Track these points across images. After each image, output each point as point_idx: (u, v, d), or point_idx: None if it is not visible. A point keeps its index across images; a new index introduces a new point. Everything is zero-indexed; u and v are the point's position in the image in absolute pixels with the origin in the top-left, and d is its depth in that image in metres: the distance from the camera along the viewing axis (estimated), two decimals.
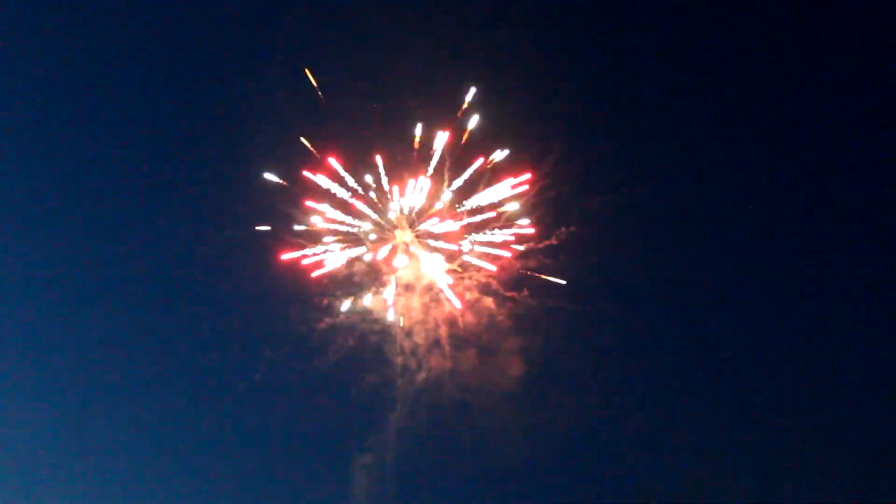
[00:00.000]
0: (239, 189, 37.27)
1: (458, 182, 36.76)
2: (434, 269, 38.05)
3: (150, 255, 39.14)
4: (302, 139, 37.36)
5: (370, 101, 36.92)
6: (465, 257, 37.30)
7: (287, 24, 38.27)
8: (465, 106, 36.21)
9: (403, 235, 38.42)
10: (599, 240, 34.80)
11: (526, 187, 36.21)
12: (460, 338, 37.77)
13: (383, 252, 38.41)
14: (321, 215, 37.69)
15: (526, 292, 36.77)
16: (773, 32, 34.87)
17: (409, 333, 38.63)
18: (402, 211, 37.92)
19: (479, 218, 37.04)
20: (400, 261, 38.41)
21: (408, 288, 38.69)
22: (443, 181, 36.88)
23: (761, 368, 35.44)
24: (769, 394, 35.12)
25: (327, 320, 38.65)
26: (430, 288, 38.52)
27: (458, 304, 37.81)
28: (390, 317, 38.65)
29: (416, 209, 37.81)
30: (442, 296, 38.13)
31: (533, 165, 36.00)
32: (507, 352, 36.68)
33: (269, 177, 37.64)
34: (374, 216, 38.04)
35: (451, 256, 37.63)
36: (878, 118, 33.71)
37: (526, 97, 35.71)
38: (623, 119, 35.93)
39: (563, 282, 37.06)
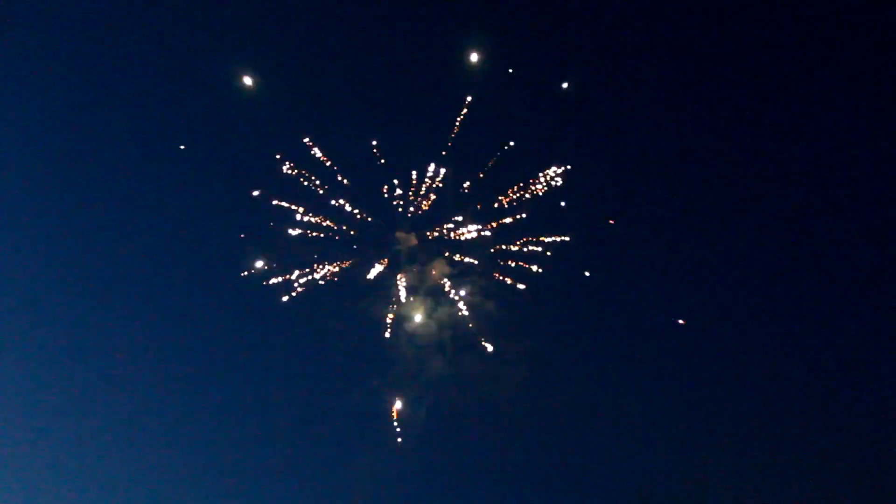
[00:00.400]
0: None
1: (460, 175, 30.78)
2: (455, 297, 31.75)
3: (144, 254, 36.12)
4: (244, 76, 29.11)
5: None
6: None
7: None
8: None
9: (406, 240, 31.69)
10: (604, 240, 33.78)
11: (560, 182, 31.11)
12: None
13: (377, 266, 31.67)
14: (294, 215, 30.62)
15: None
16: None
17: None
18: (402, 204, 31.29)
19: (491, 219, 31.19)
20: (402, 285, 31.65)
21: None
22: (460, 165, 30.58)
23: (764, 369, 35.30)
24: (771, 395, 35.12)
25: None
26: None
27: (490, 348, 31.89)
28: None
29: (424, 206, 31.43)
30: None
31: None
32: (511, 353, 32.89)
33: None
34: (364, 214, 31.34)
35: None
36: (878, 118, 33.95)
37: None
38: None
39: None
